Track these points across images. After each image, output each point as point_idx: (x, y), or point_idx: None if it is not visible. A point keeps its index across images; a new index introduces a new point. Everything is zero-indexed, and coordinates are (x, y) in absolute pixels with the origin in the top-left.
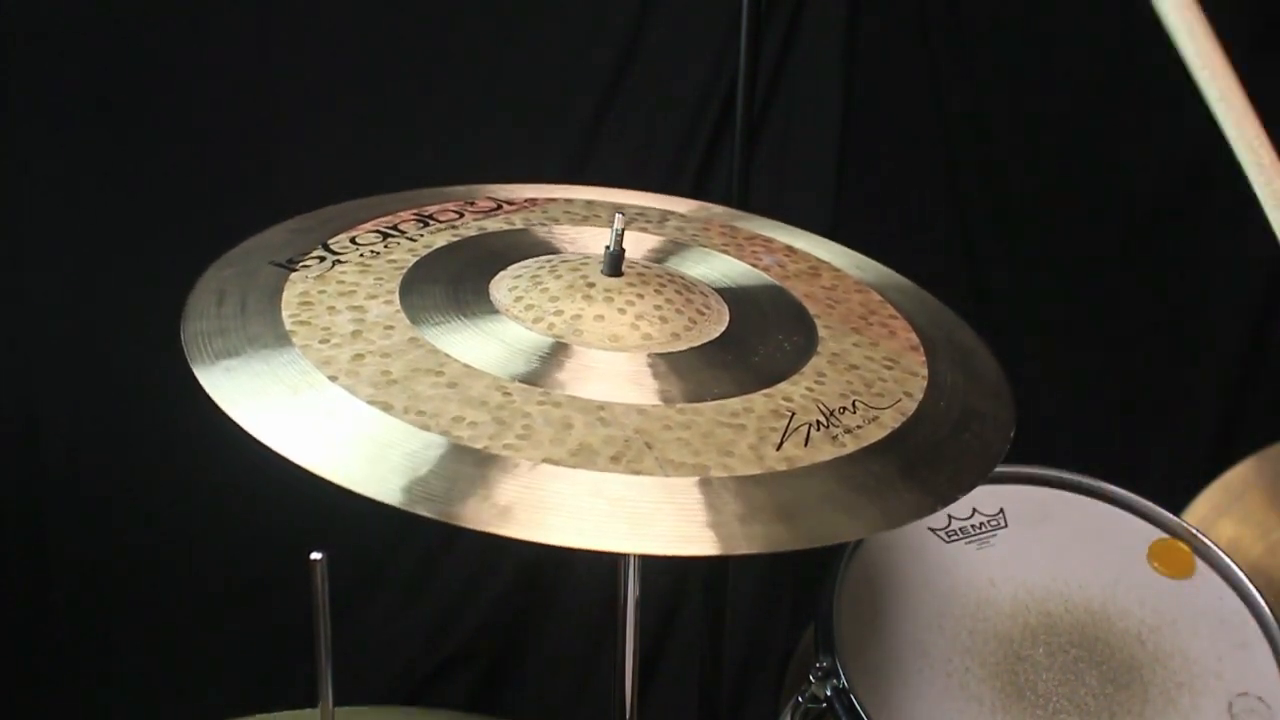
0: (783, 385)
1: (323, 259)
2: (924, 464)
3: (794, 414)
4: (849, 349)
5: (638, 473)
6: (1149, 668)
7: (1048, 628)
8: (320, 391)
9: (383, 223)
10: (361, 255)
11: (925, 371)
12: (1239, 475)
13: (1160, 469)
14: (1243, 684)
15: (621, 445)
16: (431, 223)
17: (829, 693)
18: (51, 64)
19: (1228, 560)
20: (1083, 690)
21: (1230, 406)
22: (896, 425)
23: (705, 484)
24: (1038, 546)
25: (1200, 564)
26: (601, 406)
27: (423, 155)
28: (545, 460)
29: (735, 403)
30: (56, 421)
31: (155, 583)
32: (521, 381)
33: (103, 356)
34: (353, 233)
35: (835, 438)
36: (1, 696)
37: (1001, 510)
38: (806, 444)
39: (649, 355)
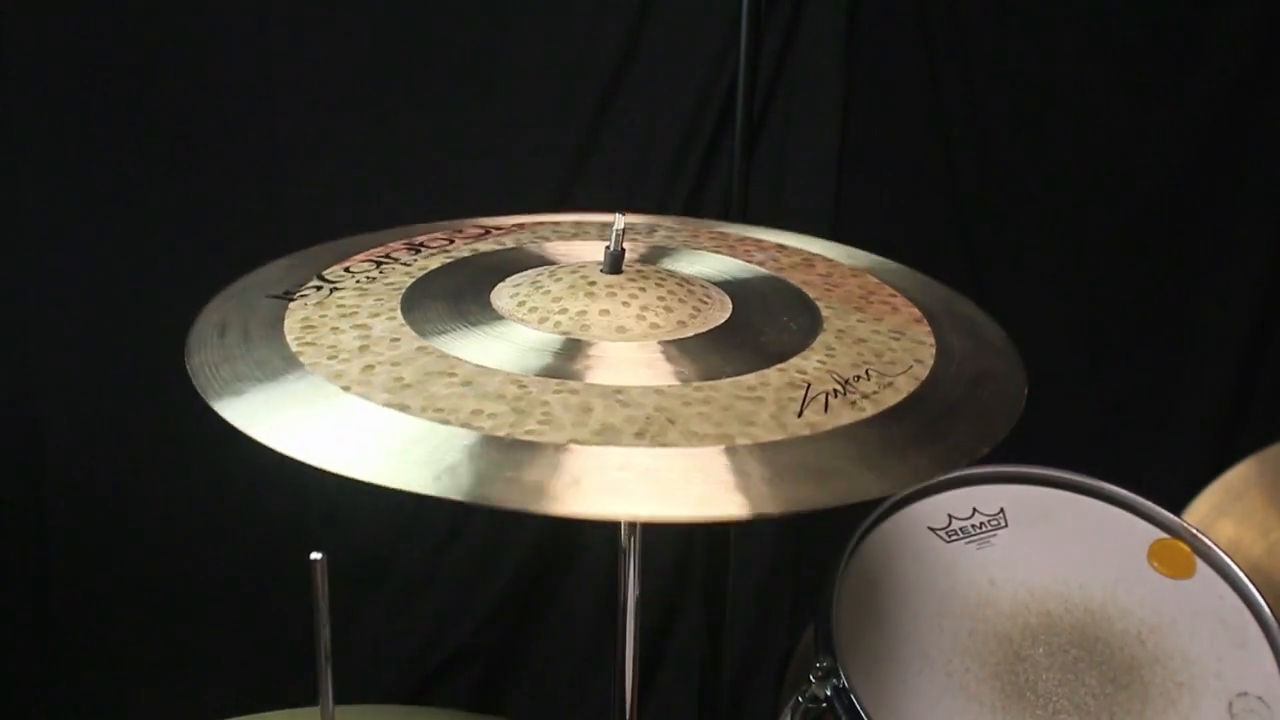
0: (794, 360)
1: (319, 288)
2: (945, 422)
3: (810, 384)
4: (854, 325)
5: (663, 445)
6: (1149, 668)
7: (1048, 628)
8: (335, 401)
9: (375, 253)
10: (358, 281)
11: (932, 340)
12: (1239, 475)
13: (1160, 469)
14: (1243, 684)
15: (643, 423)
16: (423, 249)
17: (829, 693)
18: (51, 64)
19: (1228, 560)
20: (1083, 690)
21: (1230, 406)
22: (913, 389)
23: (731, 451)
24: (1038, 546)
25: (1200, 564)
26: (619, 390)
27: (423, 154)
28: (571, 441)
29: (750, 378)
30: (58, 421)
31: (156, 583)
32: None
33: (103, 356)
34: (346, 264)
35: (854, 403)
36: (1, 696)
37: (1001, 510)
38: (826, 410)
39: (660, 342)
